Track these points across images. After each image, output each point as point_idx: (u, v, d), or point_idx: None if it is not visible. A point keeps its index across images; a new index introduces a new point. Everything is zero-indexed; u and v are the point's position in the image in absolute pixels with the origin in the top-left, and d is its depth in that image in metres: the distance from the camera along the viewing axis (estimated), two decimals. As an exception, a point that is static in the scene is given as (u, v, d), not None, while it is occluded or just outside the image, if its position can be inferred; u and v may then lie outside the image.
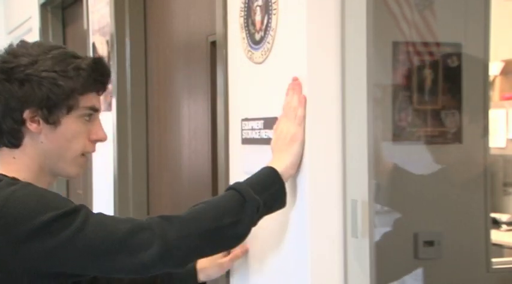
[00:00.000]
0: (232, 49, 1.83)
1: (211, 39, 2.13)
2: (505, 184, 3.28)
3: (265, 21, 1.64)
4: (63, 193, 3.88)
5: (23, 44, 1.48)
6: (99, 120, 1.51)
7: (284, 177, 1.49)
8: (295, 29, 1.54)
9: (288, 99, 1.53)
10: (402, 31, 1.71)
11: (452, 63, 1.75)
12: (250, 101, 1.76)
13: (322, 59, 1.51)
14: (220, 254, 1.71)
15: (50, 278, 1.36)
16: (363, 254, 1.46)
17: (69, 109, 1.44)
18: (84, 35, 3.33)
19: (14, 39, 5.30)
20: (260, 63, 1.68)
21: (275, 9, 1.60)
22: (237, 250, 1.72)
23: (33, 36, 4.30)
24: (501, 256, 2.88)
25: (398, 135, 1.74)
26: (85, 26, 3.30)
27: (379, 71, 1.68)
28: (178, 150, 2.52)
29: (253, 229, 1.47)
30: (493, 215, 2.78)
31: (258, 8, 1.67)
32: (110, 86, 2.48)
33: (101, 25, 3.05)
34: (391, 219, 1.72)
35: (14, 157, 1.46)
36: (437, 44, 1.75)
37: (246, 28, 1.73)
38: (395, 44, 1.72)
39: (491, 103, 3.57)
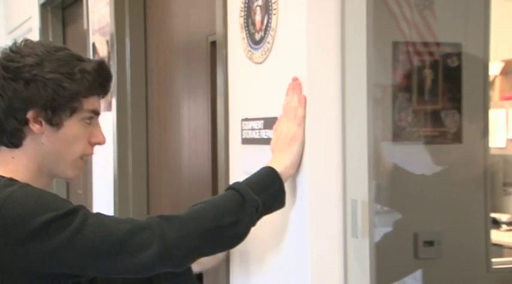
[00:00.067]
0: (232, 49, 1.83)
1: (211, 39, 2.13)
2: (505, 184, 3.28)
3: (265, 21, 1.64)
4: (64, 193, 3.88)
5: (28, 43, 1.47)
6: (99, 123, 1.52)
7: (283, 177, 1.49)
8: (295, 29, 1.54)
9: (288, 99, 1.53)
10: (402, 31, 1.71)
11: (452, 63, 1.75)
12: (250, 101, 1.76)
13: (322, 59, 1.51)
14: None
15: (49, 279, 1.36)
16: (363, 254, 1.46)
17: (73, 112, 1.44)
18: (84, 35, 3.33)
19: (13, 39, 5.31)
20: (260, 63, 1.68)
21: (275, 9, 1.60)
22: None
23: (33, 36, 4.30)
24: (501, 256, 2.88)
25: (398, 135, 1.74)
26: (85, 26, 3.30)
27: (379, 71, 1.68)
28: (178, 150, 2.52)
29: (253, 229, 1.47)
30: (493, 215, 2.78)
31: (258, 8, 1.67)
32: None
33: (101, 25, 3.05)
34: (391, 219, 1.72)
35: (13, 157, 1.46)
36: (437, 44, 1.75)
37: (246, 28, 1.73)
38: (395, 44, 1.72)
39: (491, 103, 3.57)
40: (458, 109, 1.75)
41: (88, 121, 1.48)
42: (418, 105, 1.74)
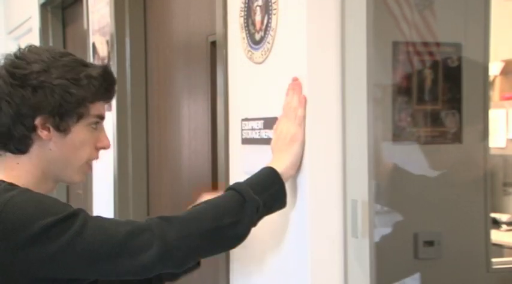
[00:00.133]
0: (232, 49, 1.83)
1: (211, 39, 2.13)
2: (505, 184, 3.28)
3: (265, 21, 1.64)
4: (64, 194, 3.88)
5: (32, 48, 1.47)
6: (103, 128, 1.52)
7: (284, 177, 1.49)
8: (295, 29, 1.54)
9: (288, 99, 1.53)
10: (402, 31, 1.71)
11: (452, 63, 1.75)
12: (250, 101, 1.76)
13: (322, 59, 1.51)
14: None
15: (50, 283, 1.36)
16: (363, 254, 1.46)
17: (79, 118, 1.45)
18: (84, 35, 3.33)
19: (13, 39, 5.32)
20: (260, 63, 1.68)
21: (275, 9, 1.60)
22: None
23: (33, 36, 4.30)
24: (501, 256, 2.88)
25: (398, 135, 1.74)
26: (85, 26, 3.30)
27: (379, 71, 1.68)
28: (178, 150, 2.52)
29: (253, 229, 1.47)
30: (493, 215, 2.78)
31: (258, 8, 1.67)
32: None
33: (101, 25, 3.05)
34: (391, 219, 1.72)
35: (18, 163, 1.46)
36: (437, 44, 1.75)
37: (246, 28, 1.73)
38: (395, 44, 1.72)
39: (491, 103, 3.57)
40: (458, 109, 1.75)
41: (94, 126, 1.48)
42: (418, 105, 1.74)
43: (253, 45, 1.70)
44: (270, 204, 1.47)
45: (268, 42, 1.63)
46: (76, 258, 1.33)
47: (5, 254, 1.32)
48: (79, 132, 1.46)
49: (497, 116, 3.75)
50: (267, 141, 1.62)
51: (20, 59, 1.44)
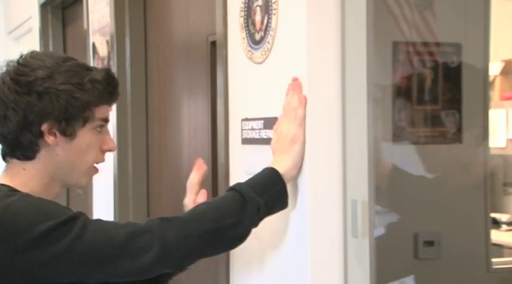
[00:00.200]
0: (232, 49, 1.83)
1: (211, 39, 2.13)
2: (505, 184, 3.28)
3: (265, 21, 1.64)
4: (64, 194, 3.87)
5: (34, 55, 1.47)
6: (108, 131, 1.53)
7: (286, 178, 1.49)
8: (295, 29, 1.54)
9: (288, 99, 1.53)
10: (402, 31, 1.71)
11: (452, 63, 1.75)
12: (250, 101, 1.76)
13: (322, 59, 1.51)
14: (194, 187, 1.69)
15: None
16: (363, 254, 1.46)
17: (85, 122, 1.45)
18: (84, 35, 3.33)
19: (13, 39, 5.32)
20: (260, 63, 1.68)
21: (275, 9, 1.60)
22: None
23: (33, 36, 4.30)
24: (501, 256, 2.88)
25: (398, 135, 1.74)
26: (85, 26, 3.30)
27: (379, 71, 1.68)
28: (178, 150, 2.52)
29: (254, 229, 1.47)
30: (493, 215, 2.78)
31: (258, 8, 1.67)
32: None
33: (101, 25, 3.05)
34: (391, 219, 1.72)
35: (24, 169, 1.46)
36: (437, 44, 1.75)
37: (246, 28, 1.73)
38: (395, 44, 1.72)
39: (491, 103, 3.57)
40: (458, 109, 1.74)
41: (99, 129, 1.49)
42: (418, 105, 1.74)
43: (253, 45, 1.70)
44: (271, 204, 1.47)
45: (268, 42, 1.63)
46: (76, 261, 1.33)
47: (6, 259, 1.32)
48: (85, 135, 1.46)
49: (497, 116, 3.76)
50: (267, 141, 1.62)
51: (24, 66, 1.44)
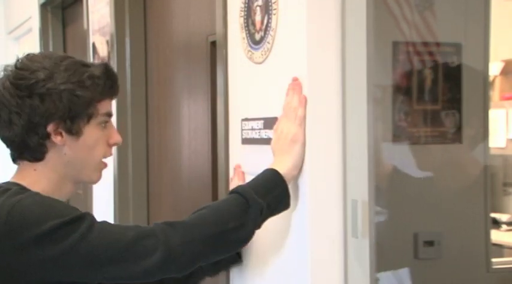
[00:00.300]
0: (232, 49, 1.83)
1: (211, 39, 2.13)
2: (505, 184, 3.28)
3: (265, 21, 1.64)
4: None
5: (30, 57, 1.48)
6: (113, 125, 1.54)
7: (287, 178, 1.49)
8: (295, 29, 1.54)
9: (288, 99, 1.53)
10: (402, 31, 1.71)
11: (452, 63, 1.75)
12: (250, 101, 1.76)
13: (322, 59, 1.51)
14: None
15: None
16: (363, 254, 1.46)
17: (89, 118, 1.46)
18: (84, 35, 3.33)
19: (13, 39, 5.31)
20: (260, 63, 1.68)
21: (275, 9, 1.60)
22: None
23: (33, 36, 4.30)
24: (501, 256, 2.88)
25: (398, 135, 1.74)
26: (85, 26, 3.30)
27: (379, 70, 1.68)
28: (178, 150, 2.52)
29: (254, 230, 1.47)
30: (493, 215, 2.78)
31: (258, 8, 1.67)
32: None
33: (101, 25, 3.05)
34: (391, 219, 1.72)
35: (35, 170, 1.47)
36: (437, 44, 1.75)
37: (246, 28, 1.73)
38: (395, 44, 1.72)
39: (491, 103, 3.57)
40: (458, 109, 1.75)
41: (104, 124, 1.50)
42: (418, 105, 1.75)
43: (253, 45, 1.70)
44: (274, 206, 1.48)
45: (268, 42, 1.63)
46: (80, 261, 1.34)
47: (11, 256, 1.32)
48: (91, 132, 1.47)
49: (497, 116, 3.76)
50: (267, 141, 1.62)
51: (22, 69, 1.44)
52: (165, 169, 2.67)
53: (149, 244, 1.36)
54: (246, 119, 1.75)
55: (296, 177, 1.53)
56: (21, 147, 1.46)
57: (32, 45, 4.36)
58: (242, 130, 1.77)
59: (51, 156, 1.46)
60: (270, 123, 1.62)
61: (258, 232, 1.49)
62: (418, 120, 1.74)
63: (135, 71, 2.78)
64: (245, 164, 1.77)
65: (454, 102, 1.75)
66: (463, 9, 1.80)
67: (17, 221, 1.33)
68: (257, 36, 1.68)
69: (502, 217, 3.37)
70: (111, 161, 2.86)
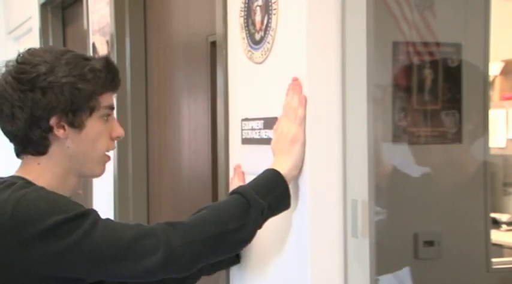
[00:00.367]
0: (232, 49, 1.83)
1: (211, 39, 2.13)
2: (505, 184, 3.28)
3: (265, 21, 1.64)
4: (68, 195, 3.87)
5: (31, 51, 1.48)
6: (115, 118, 1.55)
7: (287, 178, 1.49)
8: (295, 29, 1.54)
9: (288, 99, 1.53)
10: (402, 31, 1.71)
11: (452, 63, 1.75)
12: (250, 101, 1.76)
13: (322, 59, 1.51)
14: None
15: (56, 282, 1.36)
16: (363, 254, 1.46)
17: (91, 111, 1.47)
18: (84, 35, 3.33)
19: (13, 39, 5.31)
20: (260, 63, 1.67)
21: (275, 9, 1.60)
22: None
23: (33, 36, 4.30)
24: (501, 256, 2.88)
25: (398, 135, 1.74)
26: (85, 26, 3.30)
27: (379, 70, 1.68)
28: (178, 150, 2.52)
29: (254, 230, 1.47)
30: (493, 215, 2.78)
31: (258, 8, 1.67)
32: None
33: (101, 25, 3.05)
34: (391, 219, 1.72)
35: (39, 163, 1.48)
36: (437, 44, 1.75)
37: (246, 28, 1.73)
38: (395, 44, 1.72)
39: (491, 103, 3.57)
40: (458, 109, 1.75)
41: (106, 117, 1.51)
42: (418, 105, 1.74)
43: (253, 45, 1.70)
44: (275, 206, 1.48)
45: (268, 42, 1.63)
46: (83, 258, 1.34)
47: (14, 250, 1.33)
48: (93, 125, 1.48)
49: (497, 116, 3.76)
50: (267, 141, 1.62)
51: (24, 64, 1.45)
52: (165, 169, 2.67)
53: (150, 244, 1.36)
54: (246, 119, 1.75)
55: (296, 177, 1.53)
56: (24, 141, 1.46)
57: (32, 45, 4.34)
58: (242, 130, 1.77)
59: (54, 149, 1.47)
60: (270, 123, 1.62)
61: (258, 232, 1.49)
62: (418, 120, 1.74)
63: (135, 70, 2.78)
64: (245, 164, 1.77)
65: (454, 102, 1.75)
66: (463, 9, 1.80)
67: (22, 216, 1.33)
68: (257, 36, 1.68)
69: (502, 217, 3.37)
70: (111, 161, 2.86)
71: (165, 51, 2.63)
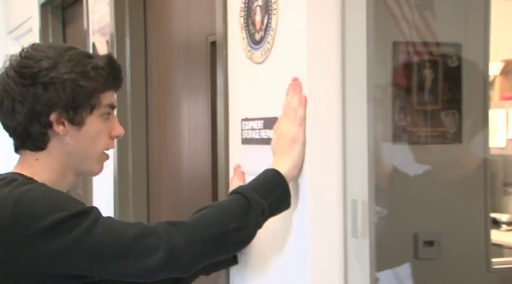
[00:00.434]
0: (232, 49, 1.83)
1: (211, 39, 2.13)
2: (505, 184, 3.28)
3: (265, 21, 1.64)
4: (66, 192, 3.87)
5: (35, 47, 1.49)
6: (115, 117, 1.55)
7: (287, 178, 1.49)
8: (295, 29, 1.54)
9: (288, 99, 1.53)
10: (402, 31, 1.71)
11: (452, 63, 1.75)
12: (250, 101, 1.76)
13: (322, 59, 1.51)
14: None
15: (57, 280, 1.36)
16: (363, 254, 1.46)
17: (92, 109, 1.47)
18: (84, 35, 3.33)
19: (13, 39, 5.31)
20: (260, 63, 1.68)
21: (275, 9, 1.60)
22: None
23: (33, 36, 4.30)
24: (501, 256, 2.88)
25: (398, 135, 1.74)
26: (85, 26, 3.30)
27: (379, 70, 1.68)
28: (178, 150, 2.52)
29: (254, 229, 1.47)
30: (493, 215, 2.78)
31: (258, 8, 1.67)
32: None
33: (101, 25, 3.05)
34: (391, 219, 1.72)
35: (37, 159, 1.48)
36: (437, 44, 1.75)
37: (246, 28, 1.73)
38: (395, 44, 1.72)
39: (491, 103, 3.57)
40: (458, 109, 1.75)
41: (106, 116, 1.51)
42: (418, 105, 1.75)
43: (253, 45, 1.70)
44: (275, 206, 1.48)
45: (268, 42, 1.63)
46: (84, 255, 1.34)
47: (17, 247, 1.33)
48: (93, 123, 1.48)
49: (497, 116, 3.76)
50: (267, 141, 1.62)
51: (27, 58, 1.45)
52: (165, 169, 2.67)
53: (151, 243, 1.36)
54: (246, 119, 1.75)
55: (296, 177, 1.53)
56: (23, 136, 1.46)
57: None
58: (242, 130, 1.77)
59: (53, 145, 1.47)
60: (270, 123, 1.62)
61: (258, 232, 1.49)
62: (418, 120, 1.74)
63: (135, 70, 2.78)
64: (245, 164, 1.77)
65: (454, 102, 1.75)
66: (463, 9, 1.80)
67: (24, 213, 1.33)
68: (257, 36, 1.68)
69: (502, 217, 3.37)
70: (111, 161, 2.86)
71: (165, 51, 2.63)
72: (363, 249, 1.46)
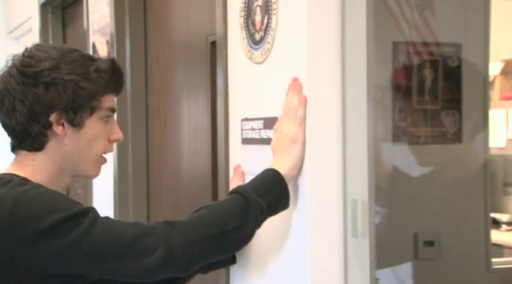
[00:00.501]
0: (232, 49, 1.83)
1: (211, 39, 2.13)
2: (505, 184, 3.28)
3: (265, 21, 1.64)
4: (64, 193, 3.87)
5: (39, 47, 1.49)
6: (115, 121, 1.55)
7: (287, 178, 1.49)
8: (295, 29, 1.54)
9: (288, 99, 1.53)
10: (402, 31, 1.71)
11: (452, 63, 1.75)
12: (250, 101, 1.76)
13: (322, 59, 1.51)
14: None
15: (55, 280, 1.36)
16: (363, 254, 1.46)
17: (92, 111, 1.47)
18: (84, 35, 3.33)
19: (13, 39, 5.31)
20: (260, 63, 1.68)
21: (275, 9, 1.60)
22: None
23: (33, 36, 4.30)
24: (501, 256, 2.88)
25: (398, 135, 1.74)
26: (85, 26, 3.30)
27: (379, 71, 1.68)
28: (178, 150, 2.52)
29: (254, 229, 1.47)
30: (493, 215, 2.78)
31: (258, 8, 1.67)
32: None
33: (101, 25, 3.05)
34: (391, 219, 1.72)
35: (33, 159, 1.48)
36: (437, 44, 1.75)
37: (246, 28, 1.73)
38: (395, 44, 1.72)
39: (491, 103, 3.57)
40: (458, 109, 1.75)
41: (106, 119, 1.50)
42: (418, 105, 1.75)
43: (253, 45, 1.70)
44: (274, 206, 1.48)
45: (268, 42, 1.63)
46: (83, 256, 1.34)
47: (15, 248, 1.33)
48: (92, 125, 1.48)
49: (497, 116, 3.76)
50: (267, 141, 1.62)
51: (30, 58, 1.46)
52: (165, 169, 2.67)
53: (149, 243, 1.36)
54: (246, 119, 1.75)
55: (296, 177, 1.53)
56: (22, 136, 1.46)
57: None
58: (242, 130, 1.77)
59: (51, 145, 1.46)
60: (270, 123, 1.62)
61: (258, 232, 1.49)
62: (418, 120, 1.74)
63: (135, 70, 2.78)
64: (245, 164, 1.77)
65: (454, 102, 1.75)
66: (463, 9, 1.80)
67: (22, 213, 1.33)
68: (257, 36, 1.68)
69: (502, 217, 3.37)
70: (111, 161, 2.86)
71: (165, 51, 2.63)
72: (363, 249, 1.46)
